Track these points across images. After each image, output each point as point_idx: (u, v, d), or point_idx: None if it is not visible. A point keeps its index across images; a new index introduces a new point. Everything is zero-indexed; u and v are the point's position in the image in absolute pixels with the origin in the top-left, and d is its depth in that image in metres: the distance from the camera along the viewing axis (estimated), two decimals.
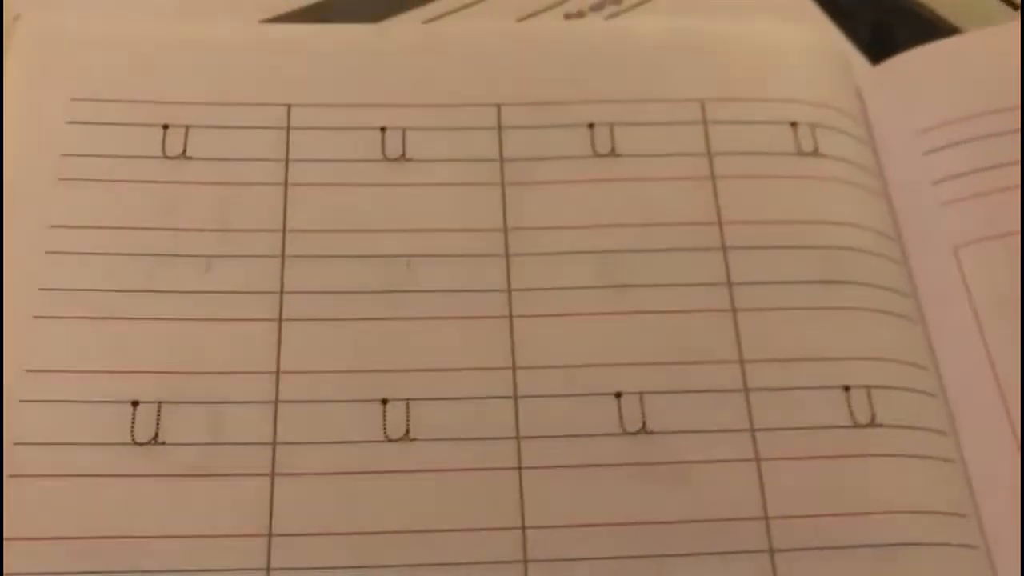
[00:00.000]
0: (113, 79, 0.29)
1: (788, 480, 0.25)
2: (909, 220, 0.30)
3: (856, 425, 0.26)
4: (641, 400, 0.26)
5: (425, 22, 0.33)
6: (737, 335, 0.27)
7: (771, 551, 0.25)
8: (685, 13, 0.34)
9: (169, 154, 0.28)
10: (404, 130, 0.29)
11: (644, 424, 0.26)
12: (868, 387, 0.27)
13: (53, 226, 0.27)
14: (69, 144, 0.28)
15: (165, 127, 0.29)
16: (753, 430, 0.26)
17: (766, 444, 0.26)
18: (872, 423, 0.26)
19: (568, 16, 0.34)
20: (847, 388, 0.26)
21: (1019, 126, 0.31)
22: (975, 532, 0.26)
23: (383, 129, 0.29)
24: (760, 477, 0.26)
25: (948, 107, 0.31)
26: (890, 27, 0.35)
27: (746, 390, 0.26)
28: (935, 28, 0.35)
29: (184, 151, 0.28)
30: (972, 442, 0.27)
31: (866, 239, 0.29)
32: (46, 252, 0.27)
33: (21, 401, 0.25)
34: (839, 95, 0.31)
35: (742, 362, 0.27)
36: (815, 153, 0.30)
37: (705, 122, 0.30)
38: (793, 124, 0.30)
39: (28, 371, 0.25)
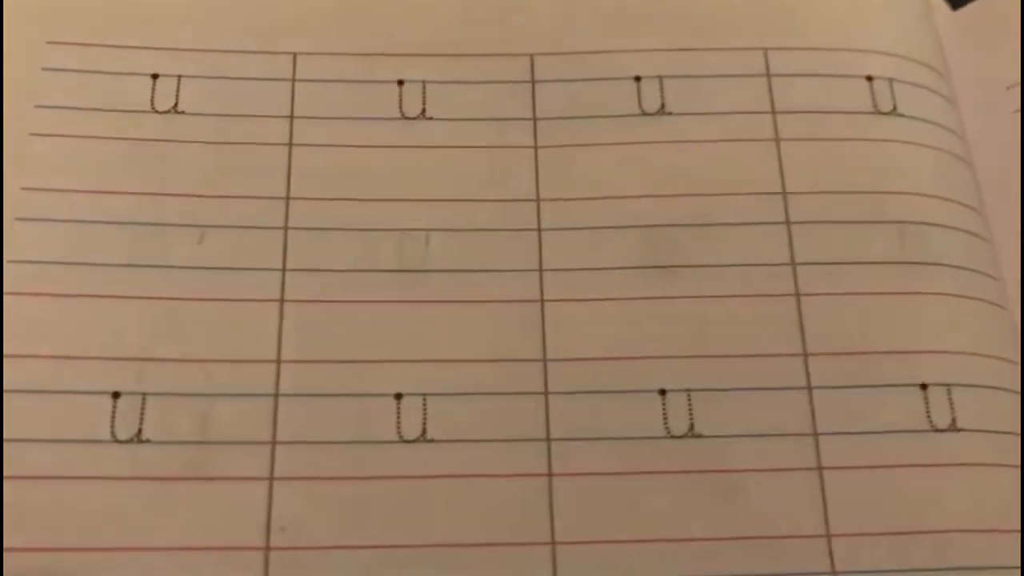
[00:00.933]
0: (95, 20, 0.26)
1: (854, 493, 0.23)
2: (996, 190, 0.27)
3: (934, 429, 0.24)
4: (688, 398, 0.24)
5: None
6: (800, 324, 0.24)
7: (834, 574, 0.22)
8: None
9: (159, 108, 0.26)
10: (424, 83, 0.26)
11: (691, 426, 0.23)
12: (948, 385, 0.24)
13: (24, 188, 0.24)
14: (44, 94, 0.25)
15: (154, 77, 0.26)
16: (816, 434, 0.23)
17: (830, 451, 0.23)
18: (952, 427, 0.24)
19: None
20: (924, 386, 0.24)
21: None
22: None
23: (400, 82, 0.26)
24: (823, 489, 0.23)
25: None
26: None
27: (809, 388, 0.24)
28: None
29: (176, 105, 0.26)
30: None
31: (951, 213, 0.26)
32: (16, 219, 0.24)
33: None
34: (920, 45, 0.28)
35: (805, 355, 0.24)
36: (893, 112, 0.26)
37: (768, 75, 0.27)
38: (869, 78, 0.27)
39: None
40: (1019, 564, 0.22)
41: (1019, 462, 0.23)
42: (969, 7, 0.29)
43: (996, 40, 0.29)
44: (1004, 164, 0.27)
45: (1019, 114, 0.28)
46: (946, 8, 0.30)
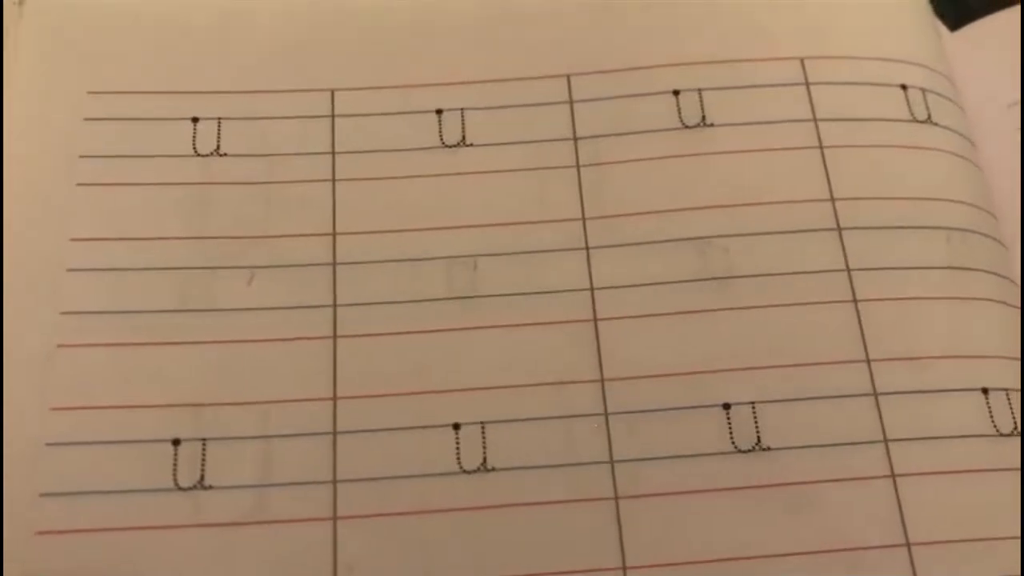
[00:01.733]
0: (133, 69, 0.26)
1: (930, 499, 0.22)
2: (1001, 202, 0.27)
3: (999, 434, 0.23)
4: (753, 411, 0.23)
5: None
6: (861, 330, 0.24)
7: None
8: None
9: (201, 151, 0.25)
10: (463, 111, 0.26)
11: (758, 439, 0.23)
12: (1007, 390, 0.23)
13: (72, 239, 0.24)
14: (87, 144, 0.25)
15: (195, 120, 0.26)
16: (886, 440, 0.23)
17: (902, 457, 0.23)
18: (1015, 432, 0.23)
19: None
20: (985, 391, 0.23)
21: None
22: None
23: (439, 112, 0.26)
24: (898, 497, 0.22)
25: None
26: None
27: (875, 394, 0.23)
28: None
29: (217, 147, 0.25)
30: None
31: (984, 221, 0.26)
32: (67, 270, 0.24)
33: (47, 445, 0.22)
34: (941, 58, 0.28)
35: (868, 361, 0.23)
36: (928, 121, 0.26)
37: (807, 83, 0.26)
38: (903, 87, 0.26)
39: (53, 409, 0.22)
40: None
41: None
42: (968, 28, 0.29)
43: (995, 59, 0.28)
44: (1010, 177, 0.27)
45: (1020, 132, 0.27)
46: (943, 30, 0.29)
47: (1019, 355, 0.24)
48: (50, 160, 0.25)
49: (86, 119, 0.25)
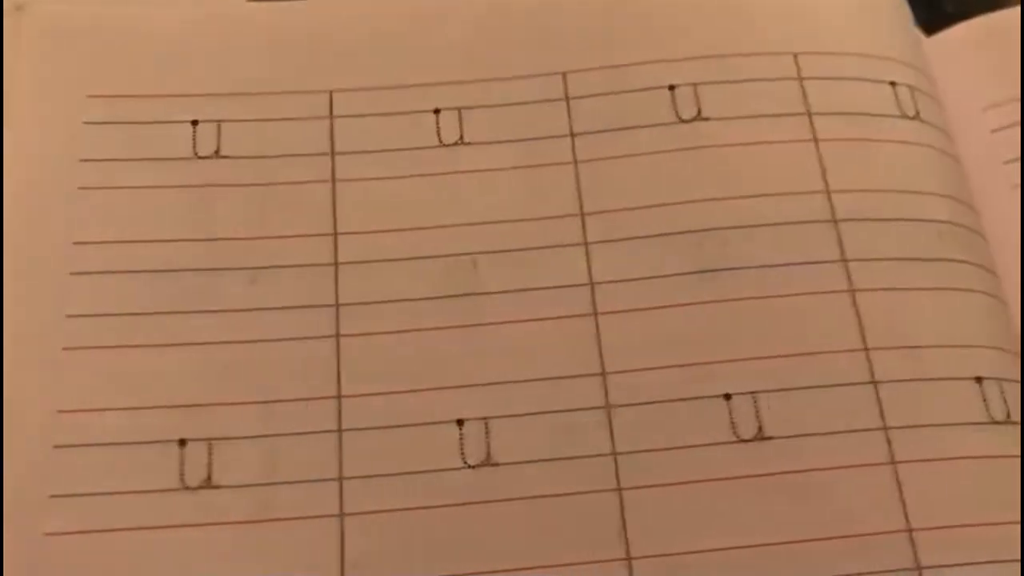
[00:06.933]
0: (132, 72, 0.26)
1: (931, 485, 0.23)
2: (979, 202, 0.27)
3: (993, 421, 0.23)
4: (755, 401, 0.23)
5: None
6: (859, 319, 0.24)
7: (918, 568, 0.22)
8: None
9: (201, 153, 0.25)
10: (460, 110, 0.26)
11: (760, 429, 0.23)
12: (1000, 379, 0.24)
13: (76, 243, 0.24)
14: (87, 148, 0.25)
15: (194, 123, 0.26)
16: (886, 428, 0.23)
17: (902, 444, 0.23)
18: (1008, 420, 0.23)
19: None
20: (979, 380, 0.23)
21: None
22: None
23: (437, 111, 0.26)
24: (898, 483, 0.23)
25: (1017, 82, 0.28)
26: None
27: (874, 382, 0.23)
28: None
29: (217, 149, 0.25)
30: None
31: (968, 215, 0.26)
32: (71, 273, 0.24)
33: (55, 447, 0.22)
34: (921, 58, 0.28)
35: (867, 350, 0.24)
36: (917, 117, 0.26)
37: (800, 78, 0.26)
38: (892, 84, 0.27)
39: (61, 412, 0.23)
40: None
41: None
42: (944, 33, 0.29)
43: (972, 63, 0.29)
44: (987, 177, 0.27)
45: (998, 134, 0.28)
46: (919, 35, 0.30)
47: (1009, 345, 0.24)
48: (51, 164, 0.25)
49: (86, 122, 0.25)
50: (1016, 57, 0.28)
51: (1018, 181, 0.27)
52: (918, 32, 0.29)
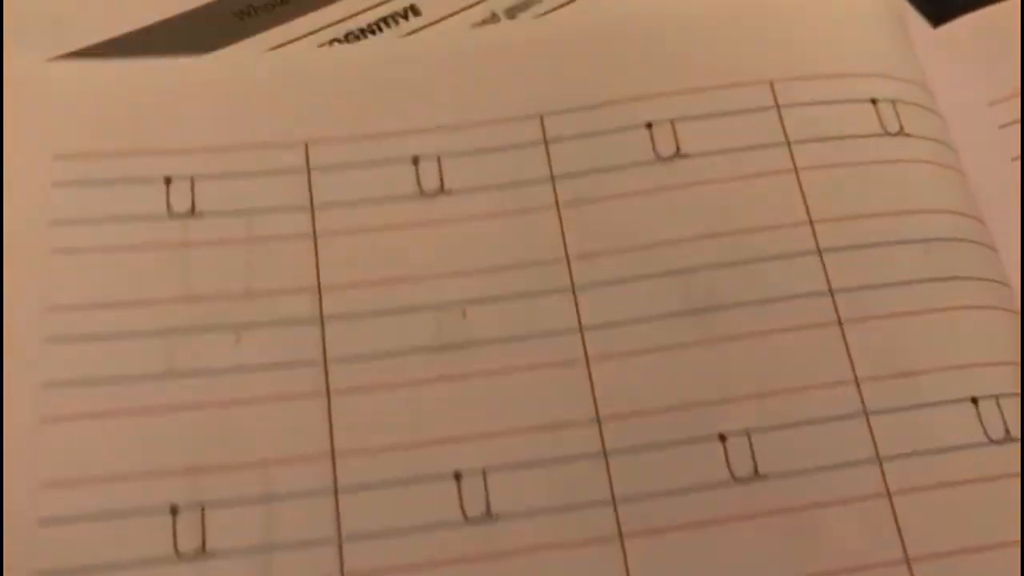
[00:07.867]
0: (99, 129, 0.25)
1: (926, 513, 0.23)
2: (987, 203, 0.27)
3: (991, 441, 0.23)
4: (749, 439, 0.23)
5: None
6: (847, 350, 0.24)
7: None
8: None
9: (176, 211, 0.25)
10: (439, 158, 0.26)
11: (755, 467, 0.23)
12: (996, 396, 0.24)
13: (51, 308, 0.23)
14: (58, 209, 0.24)
15: (167, 180, 0.25)
16: (879, 459, 0.23)
17: (896, 473, 0.23)
18: (1007, 438, 0.23)
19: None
20: (975, 400, 0.23)
21: None
22: None
23: (415, 160, 0.26)
24: (894, 513, 0.23)
25: None
26: None
27: (865, 413, 0.24)
28: None
29: (192, 207, 0.25)
30: None
31: (966, 227, 0.26)
32: (45, 339, 0.23)
33: (40, 520, 0.21)
34: (910, 65, 0.28)
35: (856, 381, 0.24)
36: (901, 133, 0.26)
37: (778, 106, 0.26)
38: (873, 101, 0.27)
39: (43, 484, 0.22)
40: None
41: None
42: (950, 24, 0.29)
43: (978, 56, 0.29)
44: (995, 177, 0.27)
45: (1006, 130, 0.28)
46: (924, 26, 0.30)
47: (1008, 357, 0.24)
48: (23, 228, 0.24)
49: (55, 183, 0.25)
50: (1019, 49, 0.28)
51: None
52: (915, 29, 0.29)
